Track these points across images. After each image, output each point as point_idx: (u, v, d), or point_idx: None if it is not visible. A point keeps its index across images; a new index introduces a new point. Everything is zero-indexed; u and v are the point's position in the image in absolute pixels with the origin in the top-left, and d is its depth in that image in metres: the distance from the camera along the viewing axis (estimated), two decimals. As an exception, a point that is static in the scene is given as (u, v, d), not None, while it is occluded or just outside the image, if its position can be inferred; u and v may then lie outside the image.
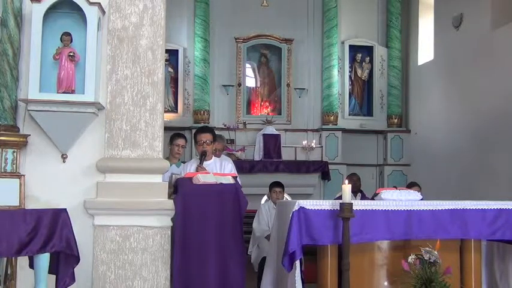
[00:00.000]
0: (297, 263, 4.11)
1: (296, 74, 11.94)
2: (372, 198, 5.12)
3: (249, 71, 12.11)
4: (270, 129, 11.28)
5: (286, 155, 11.34)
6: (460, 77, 10.09)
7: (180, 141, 5.94)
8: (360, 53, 12.11)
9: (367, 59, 12.14)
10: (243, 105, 11.74)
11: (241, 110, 11.71)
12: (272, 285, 4.78)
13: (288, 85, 11.84)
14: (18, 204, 3.98)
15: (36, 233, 3.42)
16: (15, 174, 4.02)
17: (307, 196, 10.54)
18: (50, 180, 4.14)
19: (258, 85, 12.13)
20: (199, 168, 5.05)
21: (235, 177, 4.81)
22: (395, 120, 12.04)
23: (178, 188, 4.47)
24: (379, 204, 4.38)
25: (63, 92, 4.02)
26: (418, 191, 5.03)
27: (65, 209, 3.64)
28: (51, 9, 4.07)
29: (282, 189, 7.01)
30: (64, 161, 4.18)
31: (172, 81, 11.55)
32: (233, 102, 11.72)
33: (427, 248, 4.19)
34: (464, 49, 9.92)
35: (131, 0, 4.31)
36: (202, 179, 4.47)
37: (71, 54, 4.03)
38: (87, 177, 4.18)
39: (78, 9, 4.07)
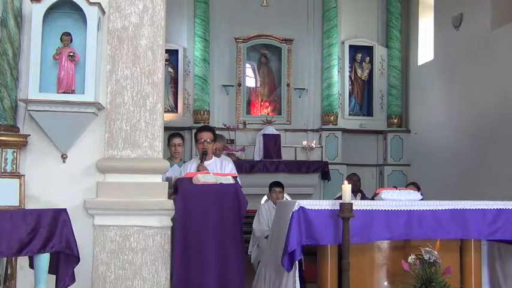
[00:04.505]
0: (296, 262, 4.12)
1: (296, 74, 11.94)
2: (372, 198, 5.12)
3: (249, 71, 12.11)
4: (270, 129, 11.28)
5: (286, 155, 11.34)
6: (460, 77, 10.09)
7: (176, 141, 5.91)
8: (360, 53, 12.12)
9: (367, 59, 12.15)
10: (243, 105, 11.74)
11: (241, 110, 11.71)
12: (267, 284, 4.75)
13: (288, 85, 11.84)
14: (18, 204, 3.97)
15: (36, 233, 3.42)
16: (15, 174, 4.02)
17: (307, 196, 10.53)
18: (50, 180, 4.14)
19: (258, 85, 12.13)
20: (200, 166, 5.04)
21: (235, 177, 4.81)
22: (395, 120, 12.04)
23: (178, 188, 4.46)
24: (379, 204, 4.38)
25: (63, 92, 4.02)
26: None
27: (65, 209, 3.64)
28: (51, 9, 4.07)
29: (282, 189, 7.02)
30: (64, 161, 4.18)
31: (172, 81, 11.55)
32: (233, 102, 11.72)
33: (427, 248, 4.19)
34: (464, 49, 9.92)
35: (131, 0, 4.31)
36: (202, 179, 4.47)
37: (71, 54, 4.03)
38: (87, 177, 4.18)
39: (78, 9, 4.07)
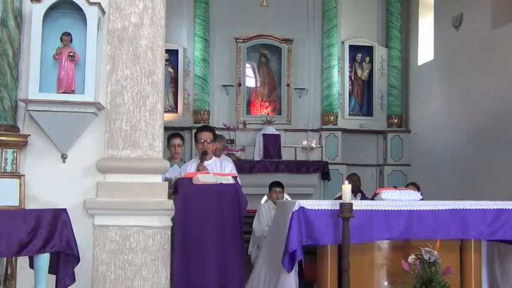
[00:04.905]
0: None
1: (296, 74, 11.95)
2: (372, 198, 5.12)
3: (249, 71, 12.11)
4: (270, 129, 11.29)
5: (286, 155, 11.35)
6: (460, 76, 10.09)
7: (175, 141, 5.91)
8: (360, 53, 12.12)
9: (367, 59, 12.15)
10: (243, 105, 11.74)
11: (241, 110, 11.71)
12: (262, 283, 4.72)
13: (288, 85, 11.85)
14: (18, 204, 3.97)
15: (36, 233, 3.42)
16: (15, 174, 4.02)
17: (307, 196, 10.53)
18: (50, 180, 4.14)
19: (258, 85, 12.13)
20: (200, 166, 5.04)
21: (235, 177, 4.81)
22: (395, 120, 12.04)
23: (178, 188, 4.46)
24: (379, 204, 4.38)
25: (63, 92, 4.02)
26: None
27: (65, 209, 3.64)
28: (51, 9, 4.07)
29: (282, 189, 7.02)
30: (64, 161, 4.18)
31: (172, 81, 11.55)
32: (233, 102, 11.72)
33: (427, 248, 4.19)
34: (464, 49, 9.92)
35: (131, 0, 4.31)
36: (202, 179, 4.47)
37: (71, 54, 4.03)
38: (87, 177, 4.18)
39: (78, 9, 4.07)
